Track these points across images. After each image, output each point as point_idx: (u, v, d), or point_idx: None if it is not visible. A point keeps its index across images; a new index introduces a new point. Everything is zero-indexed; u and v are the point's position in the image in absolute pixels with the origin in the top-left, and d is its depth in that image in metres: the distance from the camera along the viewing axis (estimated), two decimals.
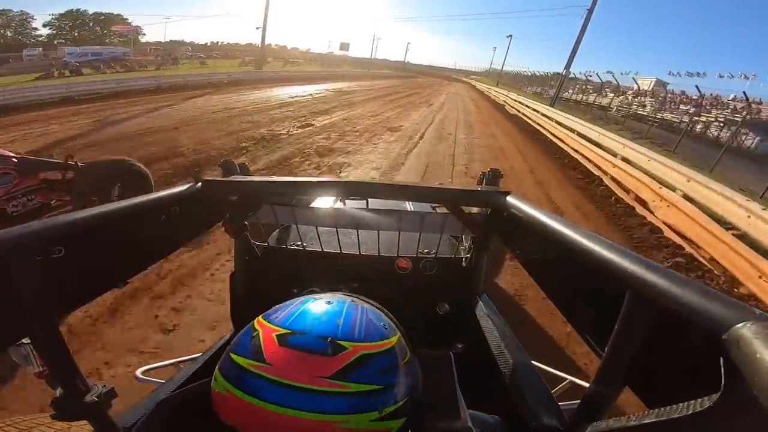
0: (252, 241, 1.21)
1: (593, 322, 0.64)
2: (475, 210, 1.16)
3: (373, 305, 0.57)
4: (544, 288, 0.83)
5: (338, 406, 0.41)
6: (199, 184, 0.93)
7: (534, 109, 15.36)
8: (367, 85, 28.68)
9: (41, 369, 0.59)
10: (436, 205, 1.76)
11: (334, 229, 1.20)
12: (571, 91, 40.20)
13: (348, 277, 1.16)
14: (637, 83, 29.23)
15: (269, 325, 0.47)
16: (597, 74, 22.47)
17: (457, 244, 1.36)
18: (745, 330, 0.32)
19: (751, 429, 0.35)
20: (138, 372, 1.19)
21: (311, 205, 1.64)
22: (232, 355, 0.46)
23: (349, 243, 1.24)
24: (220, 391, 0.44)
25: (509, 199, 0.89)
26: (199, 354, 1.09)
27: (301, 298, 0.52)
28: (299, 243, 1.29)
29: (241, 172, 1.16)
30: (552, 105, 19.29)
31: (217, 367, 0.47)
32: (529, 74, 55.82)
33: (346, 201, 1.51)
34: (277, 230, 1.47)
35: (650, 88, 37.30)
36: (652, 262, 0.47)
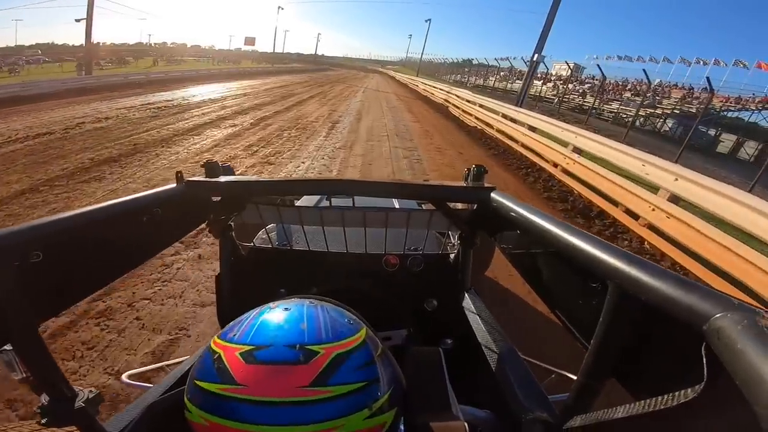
0: (237, 241, 1.15)
1: (579, 316, 0.63)
2: (460, 206, 1.09)
3: (331, 302, 0.52)
4: (530, 282, 0.82)
5: (327, 413, 0.38)
6: (182, 184, 0.88)
7: (515, 121, 7.65)
8: (252, 86, 18.90)
9: (25, 375, 0.52)
10: (423, 202, 1.69)
11: (321, 227, 1.11)
12: (493, 78, 35.12)
13: (335, 275, 1.15)
14: (546, 66, 23.92)
15: (228, 344, 0.42)
16: (547, 61, 15.52)
17: (443, 240, 1.33)
18: (725, 321, 0.31)
19: (734, 419, 0.33)
20: (124, 376, 1.13)
21: (297, 204, 1.59)
22: (198, 383, 0.41)
23: (336, 241, 1.15)
24: (198, 422, 0.40)
25: (494, 195, 0.88)
26: (187, 357, 1.04)
27: (255, 311, 0.47)
28: (285, 242, 1.27)
29: (224, 173, 1.04)
30: (520, 104, 12.01)
31: (185, 394, 0.43)
32: (449, 62, 50.34)
33: (332, 199, 1.16)
34: (263, 230, 1.35)
35: (568, 72, 33.47)
36: (634, 256, 0.46)
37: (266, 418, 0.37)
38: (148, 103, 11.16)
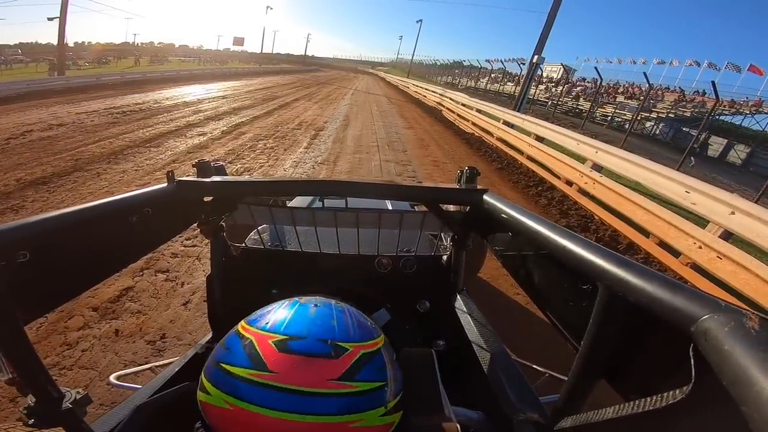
0: (229, 242, 1.14)
1: (569, 317, 0.63)
2: (453, 208, 1.09)
3: (352, 307, 0.53)
4: (521, 283, 0.83)
5: (351, 406, 0.39)
6: (173, 184, 0.87)
7: (520, 130, 6.82)
8: (235, 88, 17.79)
9: (11, 376, 0.50)
10: (416, 203, 1.72)
11: (313, 228, 1.11)
12: (484, 80, 34.51)
13: (328, 276, 1.14)
14: (541, 69, 23.39)
15: (261, 332, 0.43)
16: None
17: (436, 242, 1.32)
18: (712, 322, 0.32)
19: (721, 420, 0.33)
20: (112, 377, 1.10)
21: (289, 205, 1.60)
22: (226, 366, 0.41)
23: (329, 243, 1.15)
24: (220, 405, 0.40)
25: (486, 197, 0.89)
26: (176, 358, 1.00)
27: (285, 303, 0.48)
28: (277, 243, 1.26)
29: (216, 173, 1.02)
30: (518, 108, 11.27)
31: (205, 380, 0.42)
32: (440, 64, 49.82)
33: (325, 200, 1.13)
34: (255, 230, 1.35)
35: (559, 75, 33.01)
36: (623, 258, 0.47)
37: (294, 406, 0.38)
38: (113, 107, 10.08)
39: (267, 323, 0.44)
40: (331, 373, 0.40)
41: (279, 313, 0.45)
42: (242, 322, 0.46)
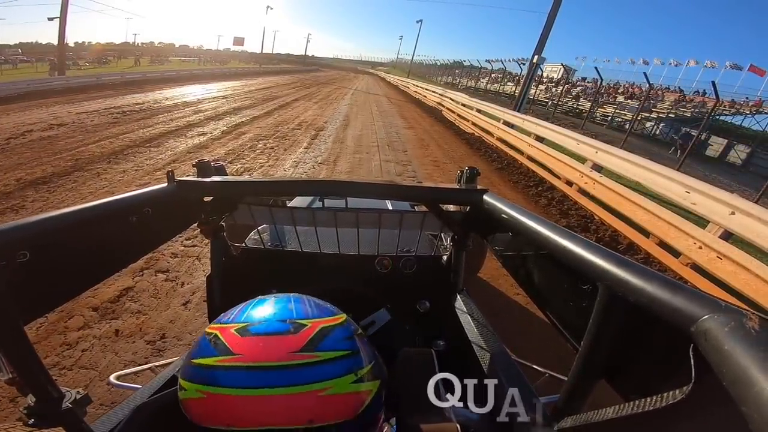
0: (229, 242, 1.14)
1: (569, 317, 0.63)
2: (453, 208, 1.10)
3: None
4: (521, 283, 0.82)
5: (317, 375, 0.41)
6: (173, 184, 0.87)
7: (520, 130, 6.82)
8: (235, 88, 17.81)
9: (11, 376, 0.50)
10: (416, 203, 1.72)
11: (313, 228, 1.11)
12: (484, 80, 34.52)
13: (328, 276, 1.14)
14: (541, 69, 23.31)
15: (224, 324, 0.45)
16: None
17: (436, 242, 1.33)
18: (712, 322, 0.32)
19: (721, 420, 0.33)
20: (112, 377, 1.08)
21: (289, 205, 1.61)
22: (195, 360, 0.43)
23: (329, 243, 1.15)
24: (194, 397, 0.42)
25: (487, 197, 0.89)
26: (176, 358, 1.02)
27: (247, 301, 0.50)
28: (277, 243, 1.26)
29: (216, 173, 1.02)
30: (518, 108, 11.28)
31: (180, 378, 0.44)
32: (440, 64, 49.83)
33: (325, 200, 1.13)
34: (255, 230, 1.35)
35: (559, 75, 32.97)
36: (623, 258, 0.47)
37: (261, 381, 0.39)
38: (113, 107, 10.08)
39: (229, 318, 0.46)
40: (293, 347, 0.41)
41: (240, 308, 0.48)
42: (211, 323, 0.47)
